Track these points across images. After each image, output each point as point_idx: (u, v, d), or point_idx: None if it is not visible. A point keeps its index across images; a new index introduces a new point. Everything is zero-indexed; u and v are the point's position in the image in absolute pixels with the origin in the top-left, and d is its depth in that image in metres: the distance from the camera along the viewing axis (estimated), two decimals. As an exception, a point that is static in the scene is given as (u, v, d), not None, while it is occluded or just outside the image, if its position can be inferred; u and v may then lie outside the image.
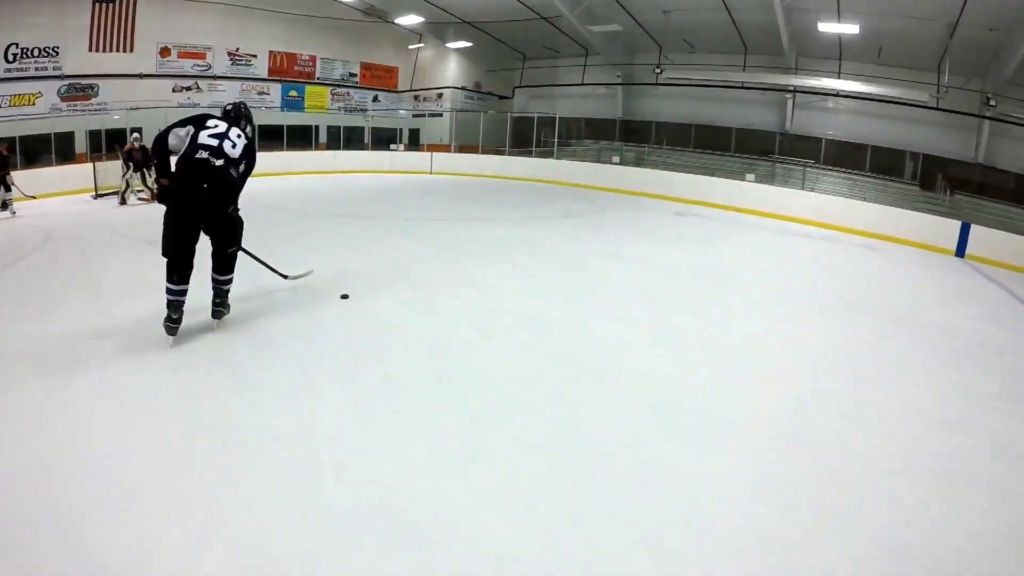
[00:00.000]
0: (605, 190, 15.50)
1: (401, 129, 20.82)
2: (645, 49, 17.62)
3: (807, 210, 12.17)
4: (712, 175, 14.58)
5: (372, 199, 12.28)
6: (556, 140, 18.41)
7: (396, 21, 18.58)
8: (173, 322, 3.69)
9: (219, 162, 3.64)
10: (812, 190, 13.27)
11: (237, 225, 4.02)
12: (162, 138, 3.66)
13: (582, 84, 19.33)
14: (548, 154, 18.40)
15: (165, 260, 3.66)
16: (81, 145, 14.62)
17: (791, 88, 15.33)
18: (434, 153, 18.37)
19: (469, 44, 19.62)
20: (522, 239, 8.24)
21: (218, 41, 16.90)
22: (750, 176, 13.85)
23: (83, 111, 14.71)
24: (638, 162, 16.96)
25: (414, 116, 21.04)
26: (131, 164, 10.85)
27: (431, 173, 17.97)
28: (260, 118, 17.19)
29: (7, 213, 9.59)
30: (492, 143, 19.25)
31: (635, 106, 19.17)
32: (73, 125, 14.56)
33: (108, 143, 14.38)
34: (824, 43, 13.84)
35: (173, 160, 3.74)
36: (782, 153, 15.89)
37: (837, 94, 14.77)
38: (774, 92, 15.85)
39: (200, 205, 3.64)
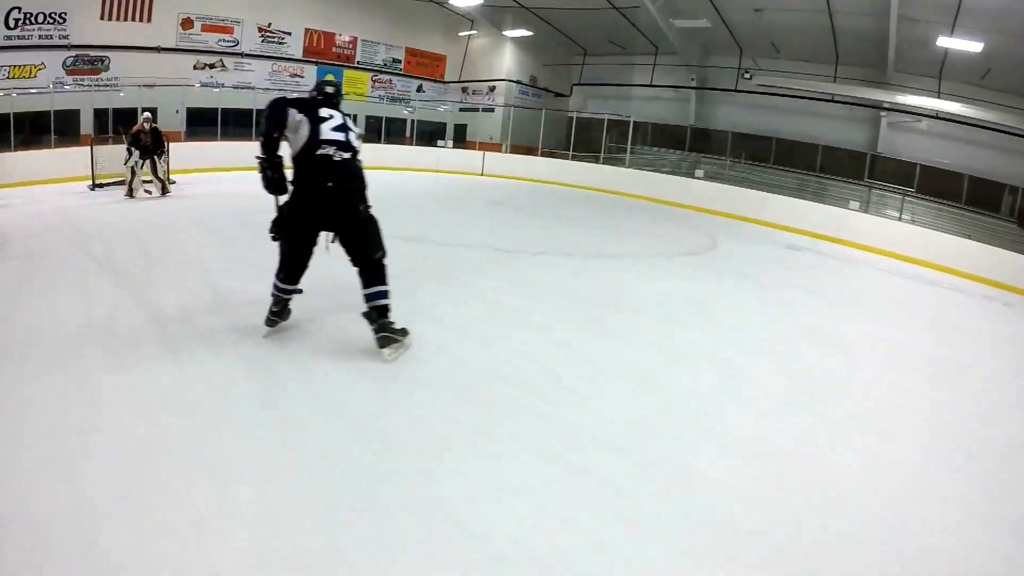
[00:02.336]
0: (690, 208, 13.46)
1: (446, 124, 18.78)
2: (723, 51, 16.03)
3: (916, 248, 10.44)
4: (802, 197, 13.10)
5: (430, 208, 10.18)
6: (629, 147, 16.19)
7: (450, 1, 16.44)
8: (275, 315, 3.52)
9: (346, 155, 3.30)
10: (912, 221, 11.74)
11: (375, 225, 3.44)
12: (279, 115, 3.17)
13: (650, 85, 17.54)
14: (614, 161, 16.42)
15: (280, 262, 3.42)
16: (88, 125, 12.68)
17: (885, 105, 13.83)
18: (486, 153, 16.18)
19: (529, 33, 17.58)
20: (678, 298, 5.78)
21: (248, 14, 14.90)
22: (854, 204, 12.20)
23: (90, 87, 12.65)
24: (715, 176, 15.01)
25: (461, 110, 18.95)
26: (137, 149, 8.73)
27: (482, 175, 15.87)
28: None
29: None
30: (546, 144, 17.26)
31: (708, 113, 17.38)
32: (78, 102, 12.63)
33: (116, 124, 12.46)
34: (925, 59, 12.55)
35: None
36: (872, 177, 14.24)
37: (936, 115, 13.22)
38: (863, 108, 14.33)
39: (328, 207, 3.28)
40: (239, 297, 4.35)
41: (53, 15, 12.24)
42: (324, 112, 3.28)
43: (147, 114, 9.23)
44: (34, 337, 3.39)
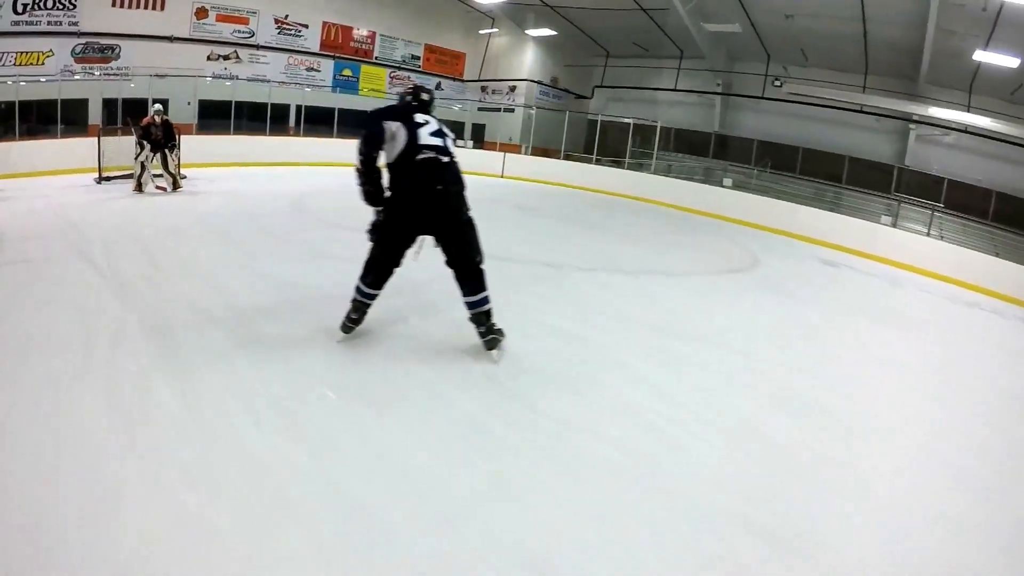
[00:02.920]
0: (718, 218, 12.86)
1: (464, 123, 18.24)
2: (749, 56, 15.56)
3: (947, 265, 9.87)
4: (829, 209, 12.68)
5: None
6: (656, 152, 15.60)
7: (474, -2, 15.93)
8: (352, 322, 3.46)
9: (446, 159, 3.25)
10: (941, 237, 11.29)
11: (475, 228, 3.42)
12: (377, 135, 3.14)
13: (675, 90, 17.00)
14: (637, 167, 15.91)
15: (367, 258, 3.36)
16: (96, 116, 12.21)
17: (914, 117, 13.47)
18: (506, 154, 15.63)
19: (553, 33, 17.02)
20: (750, 327, 5.20)
21: (264, 5, 14.36)
22: (886, 219, 11.75)
23: (99, 76, 12.14)
24: (742, 185, 14.46)
25: (480, 110, 18.39)
26: (148, 143, 8.23)
27: (502, 176, 15.34)
28: (309, 98, 15.10)
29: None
30: (565, 147, 16.68)
31: (732, 120, 16.99)
32: (87, 91, 12.15)
33: (125, 115, 12.00)
34: (956, 72, 12.18)
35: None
36: (898, 190, 13.92)
37: (965, 129, 12.91)
38: (891, 120, 13.97)
39: (433, 211, 3.25)
40: (255, 311, 3.86)
41: (63, 1, 11.74)
42: (420, 118, 3.26)
43: (158, 106, 8.72)
44: (23, 367, 2.85)
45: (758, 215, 12.45)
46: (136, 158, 8.37)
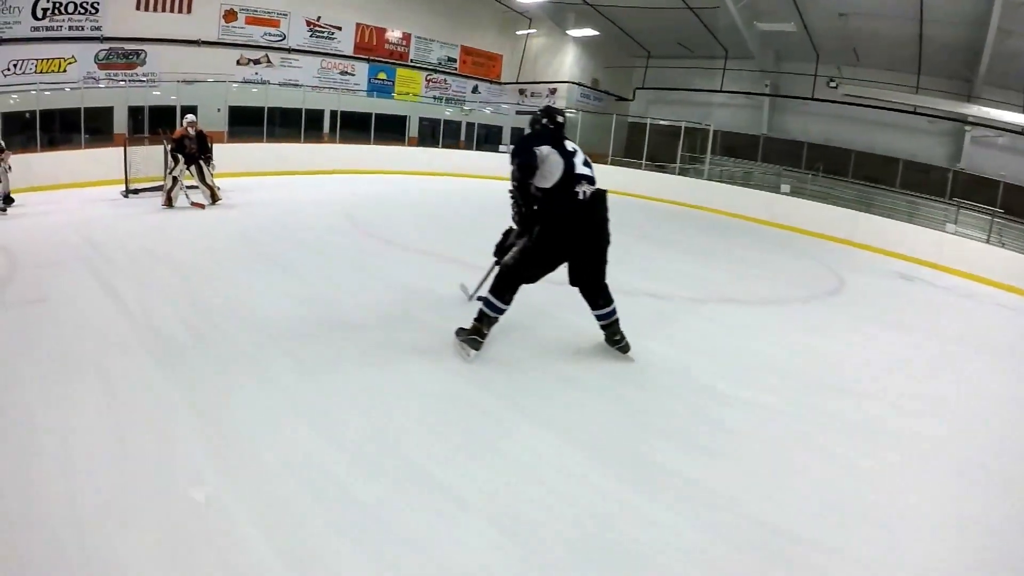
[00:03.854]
0: (778, 227, 11.90)
1: (502, 127, 17.41)
2: (797, 56, 14.87)
3: (1018, 278, 8.99)
4: (889, 216, 11.84)
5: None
6: (709, 157, 14.63)
7: (514, -2, 15.09)
8: (483, 337, 3.38)
9: (594, 188, 3.33)
10: (1002, 245, 10.41)
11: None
12: (531, 163, 3.17)
13: (721, 91, 16.17)
14: (686, 172, 15.07)
15: (507, 276, 3.34)
16: (121, 124, 11.53)
17: (970, 119, 12.80)
18: None
19: (596, 33, 16.16)
20: (883, 369, 4.34)
21: (296, 7, 13.59)
22: (950, 226, 11.08)
23: (124, 82, 11.45)
24: (797, 191, 13.63)
25: (518, 113, 17.55)
26: (182, 155, 7.45)
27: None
28: (344, 103, 14.34)
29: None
30: (605, 151, 15.73)
31: (779, 122, 16.33)
32: (111, 99, 11.44)
33: (151, 124, 11.32)
34: (1012, 72, 11.68)
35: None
36: (954, 194, 13.25)
37: (1023, 131, 12.27)
38: (945, 122, 13.35)
39: (588, 239, 3.37)
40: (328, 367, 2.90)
41: (85, 5, 11.08)
42: (569, 146, 3.33)
43: (191, 116, 7.95)
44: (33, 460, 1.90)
45: (819, 223, 11.58)
46: (169, 172, 7.57)
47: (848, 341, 4.78)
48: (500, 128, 17.26)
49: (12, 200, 7.94)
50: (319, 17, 13.92)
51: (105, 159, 10.07)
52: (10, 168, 7.94)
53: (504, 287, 3.33)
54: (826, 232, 11.32)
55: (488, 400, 2.90)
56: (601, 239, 3.37)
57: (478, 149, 16.01)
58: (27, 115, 10.30)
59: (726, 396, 3.25)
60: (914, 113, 13.43)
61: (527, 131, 3.45)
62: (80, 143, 10.49)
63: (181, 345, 3.22)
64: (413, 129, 15.75)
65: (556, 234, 3.28)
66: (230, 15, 12.79)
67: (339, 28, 14.24)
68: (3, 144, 8.01)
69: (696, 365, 3.67)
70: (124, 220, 6.84)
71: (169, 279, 4.48)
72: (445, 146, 15.58)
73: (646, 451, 2.55)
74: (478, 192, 12.06)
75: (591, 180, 3.28)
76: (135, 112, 11.46)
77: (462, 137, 16.48)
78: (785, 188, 13.45)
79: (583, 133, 16.21)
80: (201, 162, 7.69)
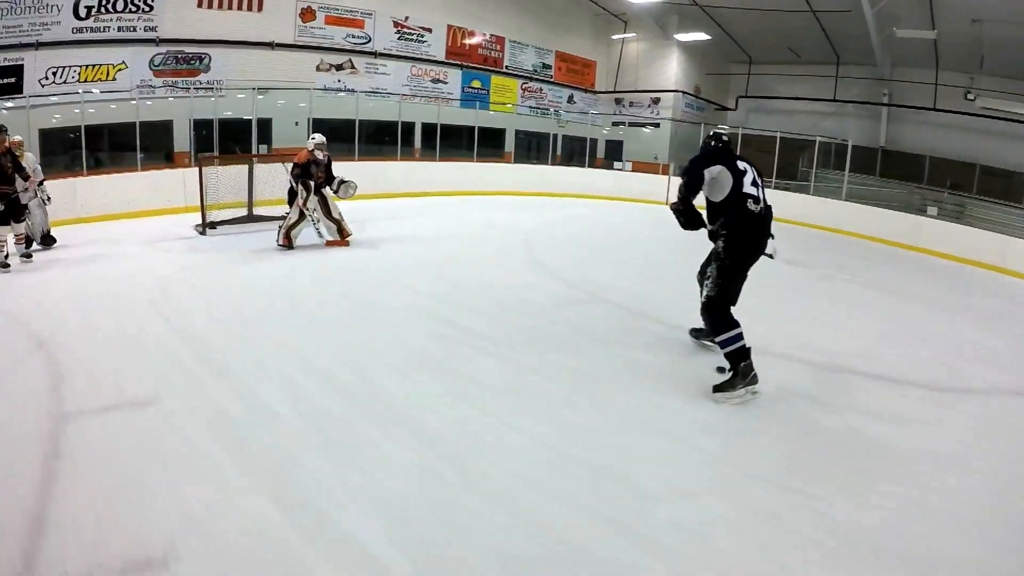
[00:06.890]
0: (925, 252, 9.86)
1: (596, 140, 15.43)
2: (914, 64, 13.84)
3: None
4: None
5: (673, 265, 5.97)
6: (847, 176, 12.69)
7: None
8: (749, 369, 3.22)
9: (763, 206, 3.38)
10: None
11: None
12: (697, 183, 3.23)
13: (834, 100, 15.10)
14: (803, 188, 13.36)
15: (715, 308, 3.33)
16: (182, 141, 9.70)
17: None
18: (671, 178, 12.84)
19: (707, 37, 14.26)
20: None
21: (381, 6, 11.70)
22: None
23: (186, 91, 9.58)
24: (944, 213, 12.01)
25: (614, 124, 15.62)
26: (312, 183, 5.52)
27: (667, 204, 12.24)
28: (439, 115, 11.47)
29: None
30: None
31: (896, 134, 15.10)
32: (170, 111, 9.61)
33: (221, 141, 9.47)
34: None
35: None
36: None
37: None
38: None
39: (761, 251, 3.42)
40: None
41: (136, 2, 9.26)
42: (741, 165, 3.34)
43: (319, 137, 6.13)
44: None
45: (966, 248, 9.55)
46: (298, 205, 5.59)
47: None
48: (594, 141, 15.18)
49: (54, 240, 6.03)
50: (407, 17, 11.93)
51: (166, 184, 8.34)
52: (49, 199, 6.13)
53: (720, 321, 3.28)
54: (972, 257, 9.38)
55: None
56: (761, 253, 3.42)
57: (565, 164, 14.39)
58: (71, 134, 8.52)
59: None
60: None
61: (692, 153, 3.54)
62: (135, 164, 8.64)
63: None
64: (508, 143, 13.71)
65: (742, 247, 3.31)
66: (307, 14, 10.84)
67: (429, 30, 12.24)
68: (41, 169, 6.09)
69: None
70: (213, 274, 4.66)
71: (330, 394, 2.16)
72: (538, 161, 13.83)
73: None
74: (634, 217, 10.48)
75: (756, 200, 3.29)
76: (201, 127, 9.49)
77: (559, 151, 14.55)
78: (932, 211, 11.76)
79: (682, 146, 14.23)
80: (325, 194, 5.59)
